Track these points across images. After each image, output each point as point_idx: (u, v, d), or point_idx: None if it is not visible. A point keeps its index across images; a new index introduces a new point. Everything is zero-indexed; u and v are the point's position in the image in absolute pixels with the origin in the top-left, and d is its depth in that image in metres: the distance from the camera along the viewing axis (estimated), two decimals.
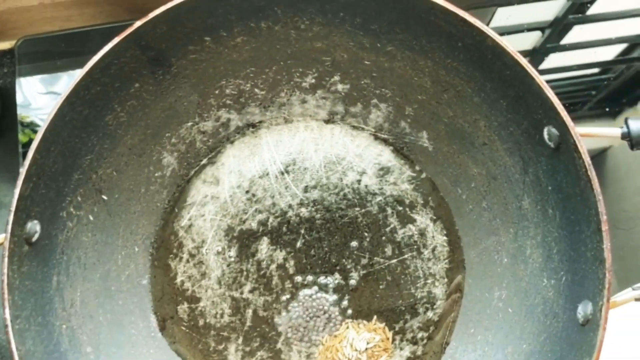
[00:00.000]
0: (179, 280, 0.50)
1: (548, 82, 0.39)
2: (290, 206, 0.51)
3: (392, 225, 0.50)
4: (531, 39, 0.63)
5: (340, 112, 0.52)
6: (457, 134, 0.48)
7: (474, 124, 0.47)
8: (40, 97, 0.60)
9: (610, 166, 0.59)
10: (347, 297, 0.49)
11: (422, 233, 0.50)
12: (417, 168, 0.51)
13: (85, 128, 0.44)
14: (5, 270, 0.38)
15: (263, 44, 0.47)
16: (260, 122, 0.52)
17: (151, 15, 0.41)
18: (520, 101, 0.42)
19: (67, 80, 0.60)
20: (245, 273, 0.50)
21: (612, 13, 0.63)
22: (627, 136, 0.40)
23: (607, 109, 0.61)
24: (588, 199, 0.37)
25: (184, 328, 0.49)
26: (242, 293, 0.50)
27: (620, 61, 0.63)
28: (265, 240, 0.50)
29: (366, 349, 0.48)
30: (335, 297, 0.49)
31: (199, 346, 0.49)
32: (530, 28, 0.63)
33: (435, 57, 0.45)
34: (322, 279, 0.50)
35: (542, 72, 0.61)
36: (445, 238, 0.50)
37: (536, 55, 0.62)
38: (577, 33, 0.63)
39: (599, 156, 0.59)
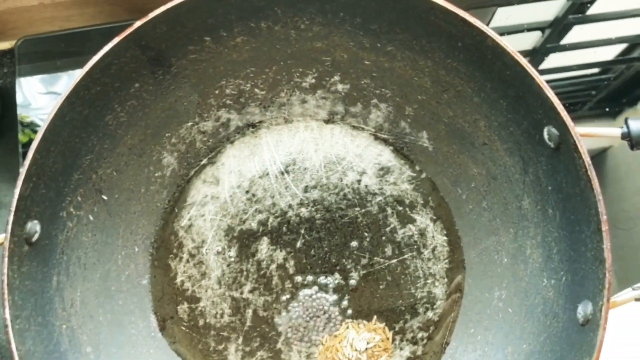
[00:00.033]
0: (179, 280, 0.50)
1: (548, 82, 0.39)
2: (290, 206, 0.51)
3: (392, 225, 0.50)
4: (531, 39, 0.63)
5: (340, 112, 0.52)
6: (457, 134, 0.48)
7: (474, 124, 0.47)
8: (40, 97, 0.60)
9: (610, 166, 0.59)
10: (347, 297, 0.49)
11: (422, 233, 0.50)
12: (417, 168, 0.51)
13: (85, 128, 0.44)
14: (5, 270, 0.38)
15: (263, 44, 0.47)
16: (260, 122, 0.52)
17: (151, 15, 0.41)
18: (520, 101, 0.42)
19: (67, 80, 0.60)
20: (245, 273, 0.50)
21: (612, 13, 0.63)
22: (627, 136, 0.40)
23: (607, 109, 0.61)
24: (588, 199, 0.37)
25: (184, 328, 0.49)
26: (242, 293, 0.50)
27: (620, 61, 0.63)
28: (265, 240, 0.50)
29: (366, 349, 0.48)
30: (335, 297, 0.49)
31: (199, 346, 0.49)
32: (530, 28, 0.63)
33: (435, 57, 0.45)
34: (322, 279, 0.50)
35: (542, 72, 0.61)
36: (445, 238, 0.50)
37: (536, 55, 0.62)
38: (577, 33, 0.63)
39: (599, 156, 0.59)
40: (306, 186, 0.51)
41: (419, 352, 0.49)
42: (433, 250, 0.50)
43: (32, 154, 0.39)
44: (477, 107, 0.46)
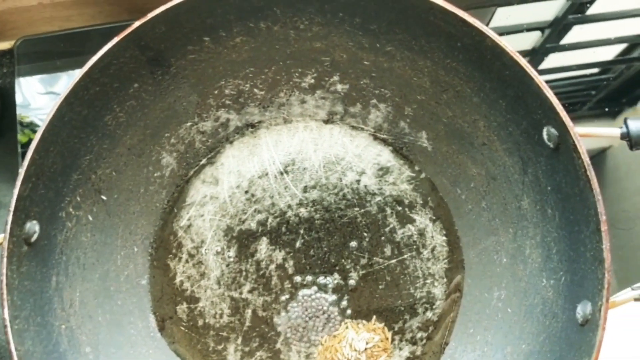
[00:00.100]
0: (178, 280, 0.50)
1: (547, 82, 0.39)
2: (289, 206, 0.51)
3: (391, 226, 0.50)
4: (531, 39, 0.63)
5: (340, 112, 0.52)
6: (456, 134, 0.48)
7: (473, 124, 0.47)
8: (39, 97, 0.60)
9: (609, 166, 0.59)
10: (346, 297, 0.49)
11: (421, 233, 0.50)
12: (417, 168, 0.51)
13: (84, 128, 0.44)
14: (4, 271, 0.38)
15: (262, 44, 0.47)
16: (259, 122, 0.52)
17: (150, 15, 0.41)
18: (519, 101, 0.42)
19: (67, 80, 0.60)
20: (244, 273, 0.50)
21: (612, 13, 0.63)
22: (626, 136, 0.40)
23: (607, 109, 0.61)
24: (587, 199, 0.37)
25: (183, 328, 0.49)
26: (241, 293, 0.50)
27: (620, 61, 0.63)
28: (264, 241, 0.50)
29: (365, 349, 0.48)
30: (334, 297, 0.49)
31: (198, 346, 0.49)
32: (530, 28, 0.63)
33: (434, 57, 0.45)
34: (321, 279, 0.50)
35: (542, 72, 0.61)
36: (444, 238, 0.50)
37: (536, 55, 0.62)
38: (577, 33, 0.63)
39: (599, 156, 0.59)
40: (305, 186, 0.51)
41: (418, 352, 0.49)
42: (432, 250, 0.50)
43: (31, 154, 0.39)
44: (476, 107, 0.46)
